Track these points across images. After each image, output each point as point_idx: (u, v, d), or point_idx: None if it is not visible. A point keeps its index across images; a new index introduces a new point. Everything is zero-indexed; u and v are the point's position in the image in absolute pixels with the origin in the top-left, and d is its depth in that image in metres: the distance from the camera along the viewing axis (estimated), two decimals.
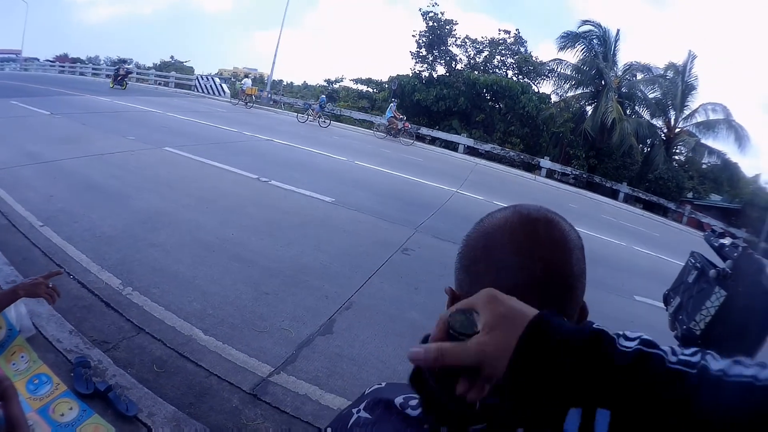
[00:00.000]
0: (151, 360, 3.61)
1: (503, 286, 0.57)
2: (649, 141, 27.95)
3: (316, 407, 3.41)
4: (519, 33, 29.87)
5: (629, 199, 24.27)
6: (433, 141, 25.65)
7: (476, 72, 28.66)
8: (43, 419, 2.73)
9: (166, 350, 3.75)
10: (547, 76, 29.07)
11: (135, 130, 12.70)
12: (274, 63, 31.91)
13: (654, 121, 28.01)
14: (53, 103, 15.13)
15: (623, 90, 27.26)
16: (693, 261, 2.98)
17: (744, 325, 2.41)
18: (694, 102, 27.11)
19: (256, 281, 5.20)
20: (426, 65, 30.10)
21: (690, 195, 27.89)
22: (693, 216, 24.24)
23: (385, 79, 33.61)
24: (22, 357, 3.17)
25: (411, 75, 29.76)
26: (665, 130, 28.14)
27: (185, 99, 25.16)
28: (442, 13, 29.12)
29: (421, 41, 29.56)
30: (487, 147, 23.95)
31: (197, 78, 32.33)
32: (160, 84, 33.59)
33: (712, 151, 27.52)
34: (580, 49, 27.42)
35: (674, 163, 28.05)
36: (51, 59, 35.23)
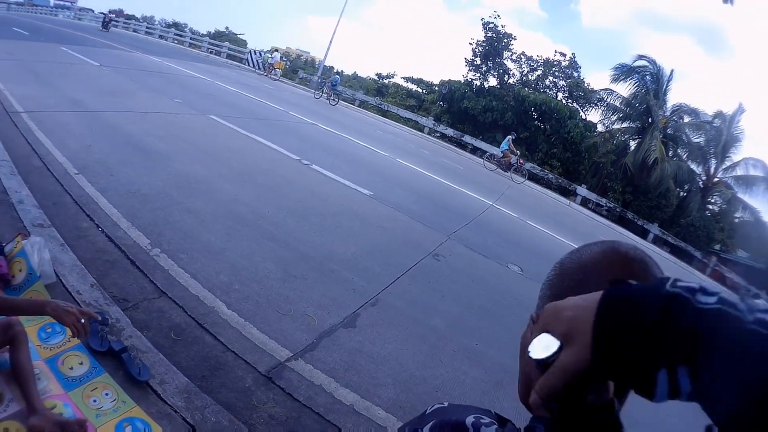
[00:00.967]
0: (169, 326, 3.44)
1: None
2: (686, 186, 27.03)
3: (329, 400, 3.24)
4: (574, 57, 29.20)
5: (658, 241, 23.47)
6: (474, 150, 25.23)
7: (527, 89, 28.11)
8: (51, 370, 2.54)
9: (186, 318, 3.60)
10: (596, 105, 28.37)
11: (182, 94, 12.72)
12: (328, 49, 31.76)
13: (694, 167, 27.15)
14: (103, 55, 15.13)
15: (669, 131, 26.37)
16: None
17: None
18: (737, 154, 26.23)
19: (287, 263, 5.02)
20: (479, 74, 29.56)
21: (717, 247, 26.95)
22: (717, 268, 23.43)
23: (435, 81, 33.36)
24: None
25: (462, 82, 29.28)
26: (704, 178, 27.24)
27: (235, 71, 25.14)
28: (503, 26, 28.68)
29: (477, 50, 29.08)
30: (528, 166, 23.54)
31: (250, 52, 32.08)
32: (211, 52, 33.42)
33: (746, 207, 26.41)
34: (632, 83, 26.73)
35: (707, 212, 27.13)
36: (105, 12, 35.33)
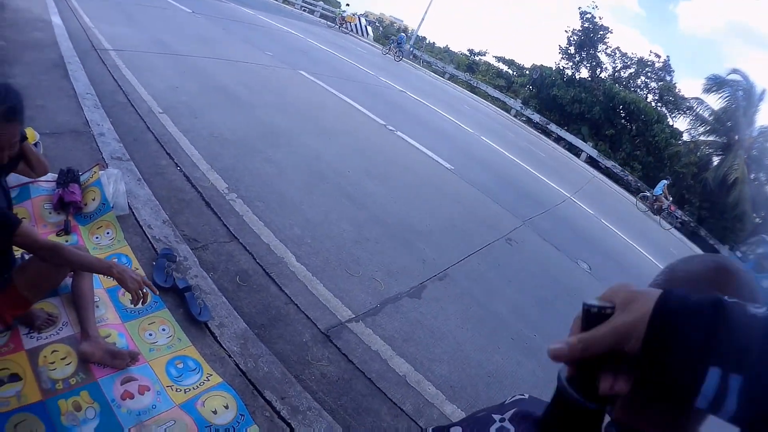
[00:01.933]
0: (236, 271, 3.33)
1: None
2: (763, 213, 24.94)
3: (383, 368, 3.07)
4: (668, 60, 27.23)
5: None
6: (558, 140, 24.22)
7: (618, 85, 26.58)
8: (111, 299, 2.46)
9: (253, 265, 3.47)
10: (685, 113, 26.41)
11: (273, 47, 12.58)
12: (422, 19, 31.17)
13: None
14: (195, 1, 14.96)
15: (753, 152, 24.11)
16: None
17: None
18: None
19: (361, 224, 4.84)
20: (571, 64, 28.12)
21: None
22: None
23: (526, 64, 32.19)
24: (108, 233, 2.94)
25: (554, 69, 28.05)
26: None
27: (327, 30, 24.80)
28: (600, 18, 27.17)
29: (572, 39, 27.66)
30: (609, 163, 22.20)
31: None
32: (305, 10, 33.09)
33: None
34: (723, 96, 24.61)
35: None
36: None
